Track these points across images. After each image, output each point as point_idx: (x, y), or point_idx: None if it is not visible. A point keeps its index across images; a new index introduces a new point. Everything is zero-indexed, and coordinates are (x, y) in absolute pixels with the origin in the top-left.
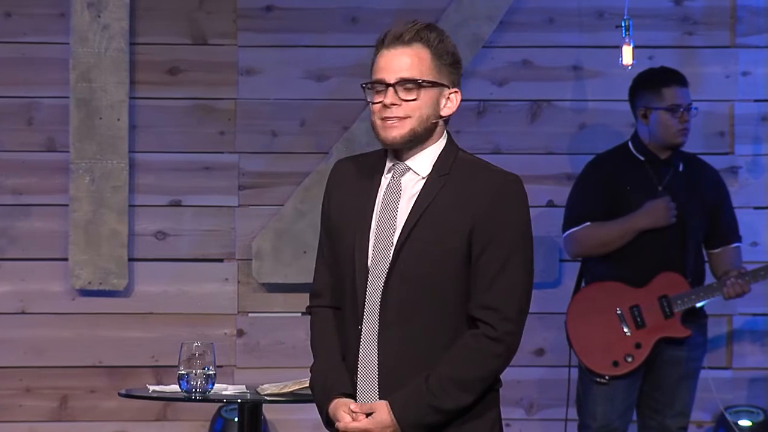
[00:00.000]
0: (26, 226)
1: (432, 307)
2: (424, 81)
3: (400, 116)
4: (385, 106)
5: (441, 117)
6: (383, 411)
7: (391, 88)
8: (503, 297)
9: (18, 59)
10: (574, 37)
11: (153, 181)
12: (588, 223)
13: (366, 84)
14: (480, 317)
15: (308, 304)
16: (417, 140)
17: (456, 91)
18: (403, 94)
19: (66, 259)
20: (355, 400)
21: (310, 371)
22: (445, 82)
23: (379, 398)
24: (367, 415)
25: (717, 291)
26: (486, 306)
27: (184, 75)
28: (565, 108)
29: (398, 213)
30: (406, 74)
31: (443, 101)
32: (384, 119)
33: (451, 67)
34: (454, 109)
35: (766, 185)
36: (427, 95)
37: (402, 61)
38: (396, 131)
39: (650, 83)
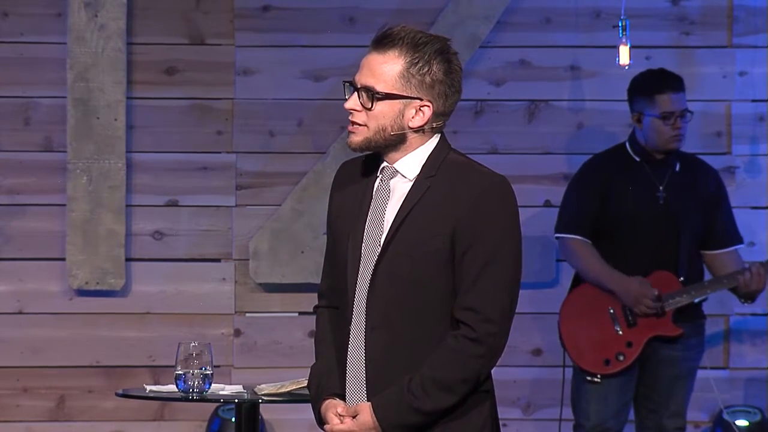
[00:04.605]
0: (23, 225)
1: (417, 308)
2: (377, 94)
3: (358, 123)
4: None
5: (410, 128)
6: (366, 413)
7: (355, 93)
8: (484, 298)
9: (15, 59)
10: (572, 37)
11: (150, 181)
12: (585, 241)
13: (346, 82)
14: (461, 318)
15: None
16: (380, 147)
17: (428, 104)
18: (364, 101)
19: (63, 259)
20: (345, 400)
21: (310, 370)
22: (416, 95)
23: (367, 399)
24: (353, 417)
25: (709, 289)
26: (467, 307)
27: (181, 75)
28: (563, 108)
29: (386, 215)
30: (368, 82)
31: (411, 112)
32: (349, 122)
33: (428, 77)
34: (425, 121)
35: (764, 185)
36: (385, 107)
37: (369, 67)
38: (353, 137)
39: (644, 89)
